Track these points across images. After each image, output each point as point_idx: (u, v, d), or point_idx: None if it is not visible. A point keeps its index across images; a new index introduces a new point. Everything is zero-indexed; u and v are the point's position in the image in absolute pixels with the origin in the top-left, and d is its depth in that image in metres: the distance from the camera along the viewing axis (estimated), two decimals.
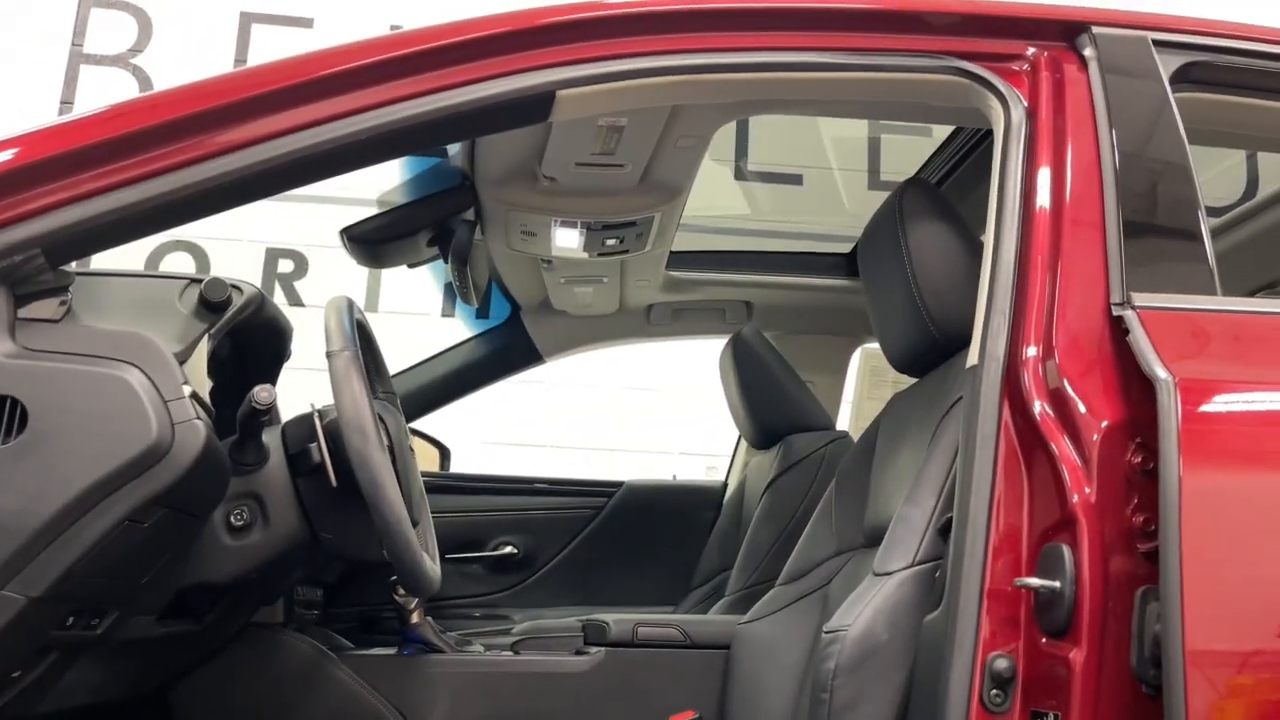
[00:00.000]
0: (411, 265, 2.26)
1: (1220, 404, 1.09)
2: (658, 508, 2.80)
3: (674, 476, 3.06)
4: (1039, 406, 1.14)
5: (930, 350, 1.56)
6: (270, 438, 1.43)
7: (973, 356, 1.23)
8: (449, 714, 1.71)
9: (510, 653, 1.83)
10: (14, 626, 1.07)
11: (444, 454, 2.92)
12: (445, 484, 2.74)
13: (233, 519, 1.38)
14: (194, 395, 1.17)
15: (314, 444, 1.40)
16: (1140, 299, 1.18)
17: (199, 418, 1.15)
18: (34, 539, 1.06)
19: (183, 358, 1.28)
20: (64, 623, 1.17)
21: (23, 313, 1.16)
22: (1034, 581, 1.08)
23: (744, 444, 2.77)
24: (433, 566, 1.47)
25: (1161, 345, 1.11)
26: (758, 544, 2.25)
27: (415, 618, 1.77)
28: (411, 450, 1.59)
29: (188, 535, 1.31)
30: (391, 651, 1.78)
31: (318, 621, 1.94)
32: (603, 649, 1.80)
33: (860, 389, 2.96)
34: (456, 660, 1.77)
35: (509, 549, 2.71)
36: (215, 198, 1.23)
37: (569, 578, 2.71)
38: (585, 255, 2.21)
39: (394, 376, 2.68)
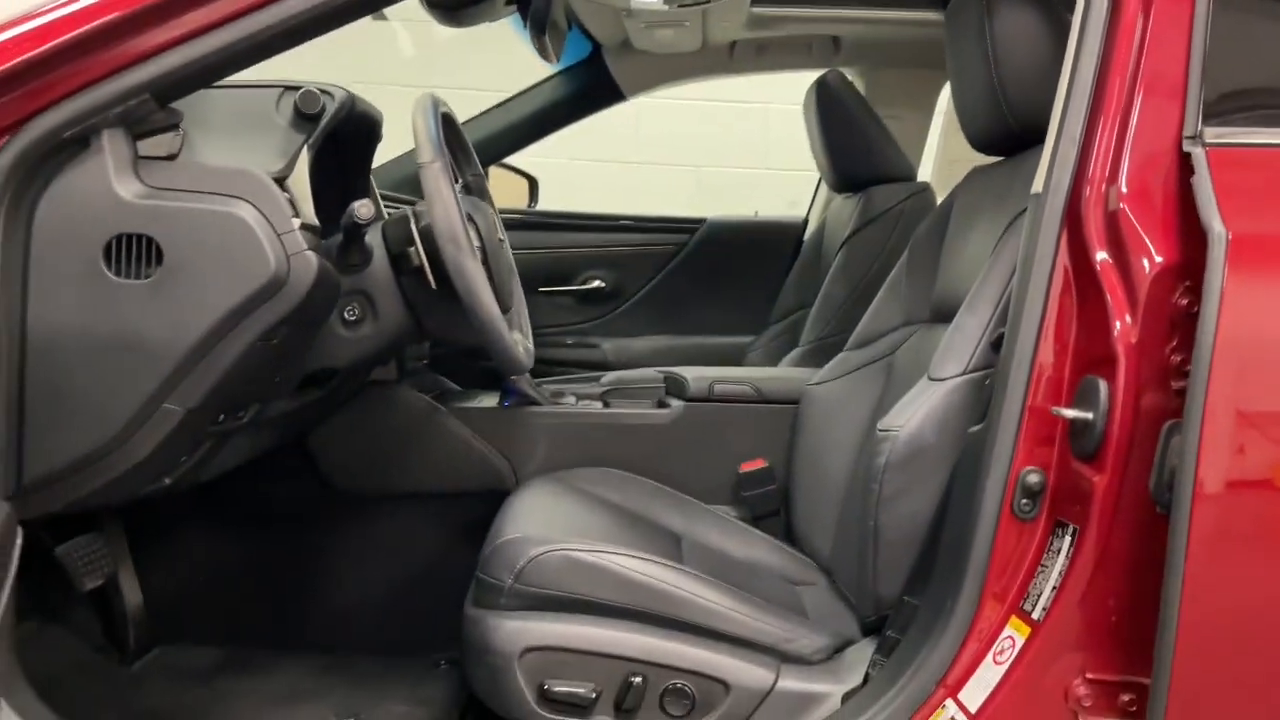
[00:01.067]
0: (491, 20, 2.24)
1: (1273, 261, 1.11)
2: (739, 243, 2.89)
3: (755, 213, 3.12)
4: (1096, 242, 1.18)
5: (1006, 138, 1.56)
6: (373, 237, 1.55)
7: (1038, 184, 1.25)
8: (545, 458, 1.93)
9: (600, 404, 2.02)
10: (177, 431, 1.26)
11: (533, 185, 3.01)
12: (534, 221, 2.86)
13: (346, 314, 1.53)
14: (303, 225, 1.28)
15: (412, 248, 1.51)
16: (1212, 134, 1.17)
17: (309, 249, 1.27)
18: (184, 361, 1.23)
19: (285, 173, 1.38)
20: (216, 420, 1.37)
21: (141, 149, 1.26)
22: (1069, 413, 1.18)
23: (824, 185, 2.79)
24: (524, 354, 1.61)
25: (1223, 191, 1.12)
26: (832, 297, 2.35)
27: None
28: (502, 241, 1.69)
29: (310, 339, 1.47)
30: (494, 403, 1.98)
31: (427, 368, 2.15)
32: (682, 403, 1.98)
33: (947, 125, 2.90)
34: (551, 412, 1.97)
35: (597, 283, 2.87)
36: (306, 28, 1.27)
37: (654, 309, 2.88)
38: (665, 8, 2.16)
39: (478, 117, 2.73)
